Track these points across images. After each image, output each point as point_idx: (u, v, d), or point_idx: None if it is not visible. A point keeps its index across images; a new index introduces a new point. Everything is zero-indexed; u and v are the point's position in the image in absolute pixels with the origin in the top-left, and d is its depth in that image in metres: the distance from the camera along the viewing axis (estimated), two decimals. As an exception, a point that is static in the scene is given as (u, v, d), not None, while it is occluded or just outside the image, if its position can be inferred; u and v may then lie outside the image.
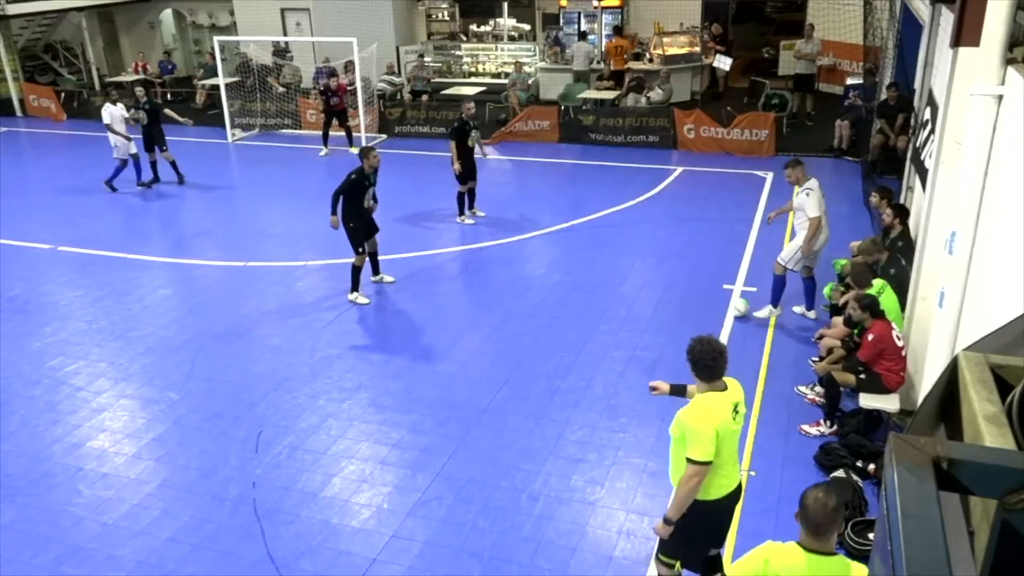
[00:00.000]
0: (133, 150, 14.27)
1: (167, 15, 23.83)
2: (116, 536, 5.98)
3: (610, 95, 17.70)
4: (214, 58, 18.07)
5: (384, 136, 17.61)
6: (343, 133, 16.43)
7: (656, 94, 17.17)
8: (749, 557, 3.65)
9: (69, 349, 8.79)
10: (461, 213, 12.36)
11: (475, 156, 12.26)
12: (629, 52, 19.42)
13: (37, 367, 8.42)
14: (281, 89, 18.95)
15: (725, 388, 4.37)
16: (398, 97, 19.02)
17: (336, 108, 16.20)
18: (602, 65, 19.05)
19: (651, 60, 19.09)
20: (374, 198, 9.63)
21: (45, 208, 13.71)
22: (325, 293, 10.13)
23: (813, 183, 8.61)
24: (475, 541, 5.82)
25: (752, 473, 6.36)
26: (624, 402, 7.52)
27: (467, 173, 12.12)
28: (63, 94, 20.93)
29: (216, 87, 18.25)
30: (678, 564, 4.74)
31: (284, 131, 18.22)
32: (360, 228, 9.52)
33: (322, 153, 16.39)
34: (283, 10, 21.50)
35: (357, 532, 5.96)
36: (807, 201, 8.52)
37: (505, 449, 6.85)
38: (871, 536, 5.44)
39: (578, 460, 6.68)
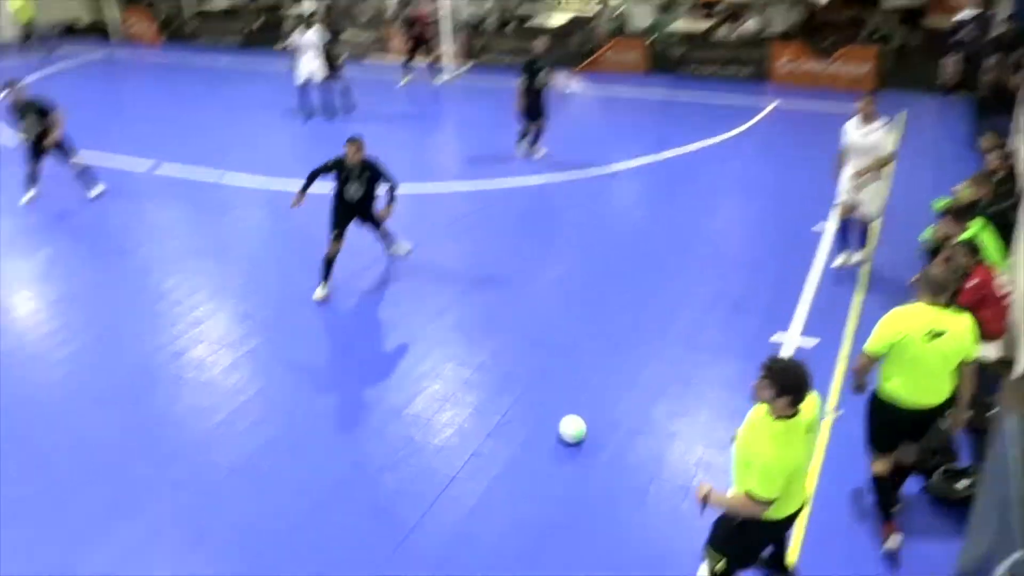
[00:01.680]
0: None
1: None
2: (215, 441, 6.31)
3: (702, 26, 17.10)
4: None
5: (471, 63, 17.48)
6: (428, 62, 16.38)
7: (750, 25, 16.51)
8: (879, 328, 4.72)
9: (168, 265, 9.17)
10: (519, 142, 12.14)
11: (546, 95, 11.85)
12: (722, -19, 18.66)
13: (142, 279, 8.83)
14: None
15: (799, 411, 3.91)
16: (483, 27, 18.79)
17: (420, 38, 16.14)
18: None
19: (747, -11, 18.32)
20: (367, 194, 8.32)
21: (144, 131, 14.16)
22: (407, 223, 10.26)
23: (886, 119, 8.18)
24: (554, 464, 5.94)
25: (840, 412, 6.26)
26: (708, 338, 7.46)
27: (533, 113, 11.78)
28: (160, 19, 21.34)
29: (301, 15, 18.32)
30: (723, 562, 4.31)
31: (372, 61, 18.25)
32: (339, 211, 8.29)
33: (401, 83, 16.39)
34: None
35: (439, 449, 6.13)
36: (886, 138, 8.08)
37: (586, 378, 6.91)
38: (958, 486, 5.31)
39: (659, 393, 6.69)
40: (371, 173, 8.19)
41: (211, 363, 7.31)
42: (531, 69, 11.61)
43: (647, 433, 6.23)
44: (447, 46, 16.76)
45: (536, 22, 18.86)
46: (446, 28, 16.62)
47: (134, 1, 22.01)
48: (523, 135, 12.10)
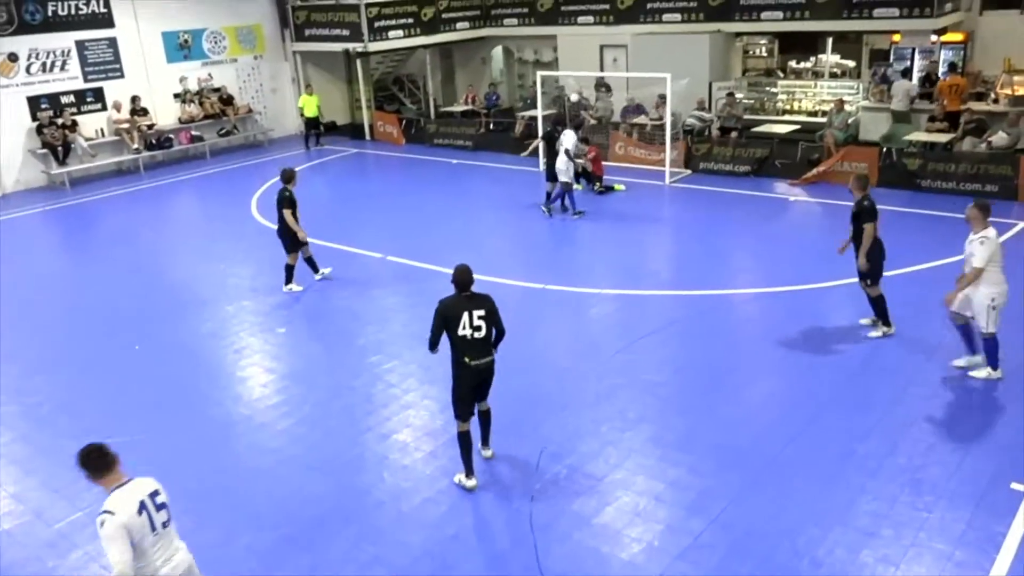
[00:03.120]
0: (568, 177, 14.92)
1: (497, 52, 25.86)
2: (408, 524, 6.55)
3: (943, 138, 16.09)
4: (535, 91, 19.25)
5: (688, 171, 17.56)
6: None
7: (999, 138, 15.31)
8: None
9: (386, 348, 9.80)
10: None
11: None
12: (966, 91, 17.54)
13: (359, 361, 9.49)
14: (592, 121, 19.68)
15: None
16: (706, 133, 18.89)
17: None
18: (931, 105, 17.39)
19: (996, 100, 17.10)
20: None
21: (380, 221, 15.46)
22: (616, 322, 10.31)
23: (991, 232, 7.85)
24: (747, 599, 5.55)
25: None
26: (932, 477, 6.74)
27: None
28: (404, 121, 23.50)
29: (534, 118, 19.40)
30: None
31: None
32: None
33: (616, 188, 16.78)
34: (602, 46, 22.34)
35: (625, 565, 5.95)
36: (979, 249, 7.83)
37: (789, 507, 6.46)
38: None
39: (870, 534, 6.10)
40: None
41: (413, 448, 7.65)
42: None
43: (853, 579, 5.68)
44: (668, 151, 16.98)
45: (760, 129, 18.68)
46: (668, 134, 16.88)
47: (382, 107, 24.49)
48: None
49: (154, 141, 21.11)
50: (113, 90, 20.72)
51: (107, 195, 18.70)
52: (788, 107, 20.34)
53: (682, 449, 7.37)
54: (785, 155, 17.25)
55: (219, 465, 7.55)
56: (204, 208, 18.18)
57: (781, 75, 21.43)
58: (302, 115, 22.58)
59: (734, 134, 18.27)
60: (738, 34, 20.77)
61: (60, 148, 19.51)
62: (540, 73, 19.30)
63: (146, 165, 20.92)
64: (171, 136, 21.47)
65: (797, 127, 18.63)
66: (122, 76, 20.88)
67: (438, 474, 7.20)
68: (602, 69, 22.16)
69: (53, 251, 15.89)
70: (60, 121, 19.66)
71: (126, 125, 20.61)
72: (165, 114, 21.70)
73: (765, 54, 22.36)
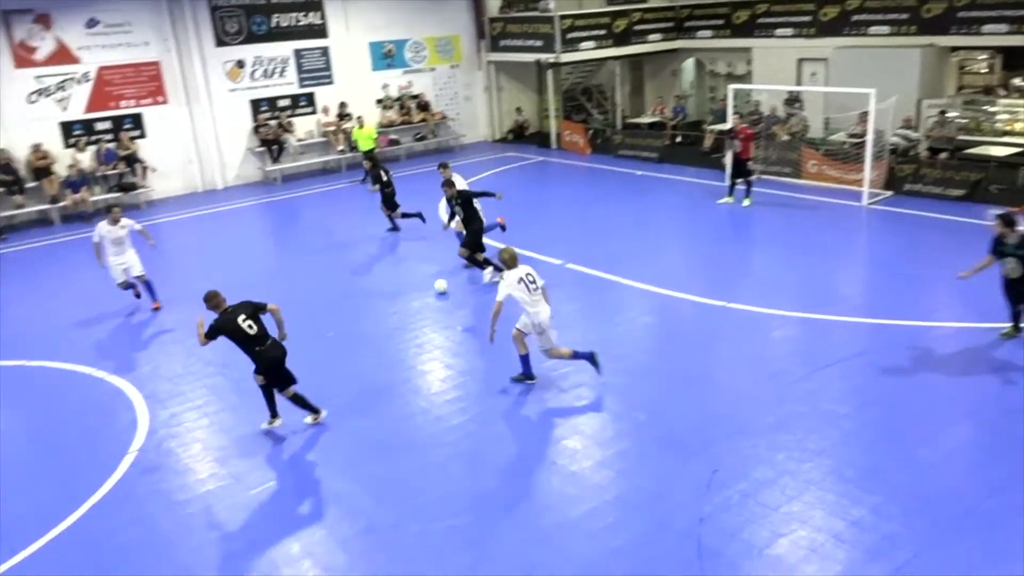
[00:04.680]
0: None
1: (689, 64, 25.45)
2: (573, 532, 6.58)
3: None
4: (725, 104, 18.78)
5: (890, 193, 16.48)
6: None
7: None
8: None
9: (561, 355, 9.90)
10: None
11: None
12: None
13: (535, 365, 9.64)
14: (786, 137, 18.93)
15: None
16: (911, 153, 17.63)
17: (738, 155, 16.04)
18: None
19: None
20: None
21: (560, 229, 15.65)
22: (800, 347, 9.85)
23: None
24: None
25: None
26: None
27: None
28: (590, 131, 23.66)
29: (723, 131, 18.92)
30: None
31: (782, 179, 18.13)
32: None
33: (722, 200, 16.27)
34: (800, 60, 21.44)
35: (797, 602, 5.67)
36: None
37: (989, 566, 5.90)
38: None
39: (1086, 605, 5.46)
40: None
41: (582, 456, 7.68)
42: None
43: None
44: (868, 171, 16.02)
45: (975, 151, 17.21)
46: (868, 152, 15.93)
47: (569, 117, 24.77)
48: None
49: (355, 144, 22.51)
50: (323, 95, 22.34)
51: (312, 191, 20.16)
52: (1008, 128, 18.58)
53: (866, 488, 6.92)
54: (1003, 180, 15.79)
55: (398, 453, 7.93)
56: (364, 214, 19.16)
57: (1003, 93, 19.62)
58: (356, 149, 21.55)
59: (944, 155, 16.94)
60: (954, 48, 19.25)
61: (275, 147, 21.28)
62: (731, 87, 18.81)
63: (347, 165, 22.34)
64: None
65: (1019, 150, 17.01)
66: (331, 82, 22.46)
67: (606, 483, 7.19)
68: (799, 83, 21.26)
69: (262, 240, 17.32)
70: (275, 123, 21.44)
71: (332, 128, 22.14)
72: (367, 119, 23.08)
73: (985, 70, 20.55)
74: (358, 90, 22.80)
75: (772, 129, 19.19)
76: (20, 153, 18.18)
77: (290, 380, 8.36)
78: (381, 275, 13.60)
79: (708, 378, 9.13)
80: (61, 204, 18.23)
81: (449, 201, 13.09)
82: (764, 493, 6.92)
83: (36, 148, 18.23)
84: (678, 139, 22.49)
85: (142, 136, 19.88)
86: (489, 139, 25.68)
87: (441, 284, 12.32)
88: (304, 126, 22.17)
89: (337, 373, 9.80)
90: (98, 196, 18.76)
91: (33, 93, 18.39)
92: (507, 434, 8.21)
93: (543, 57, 22.79)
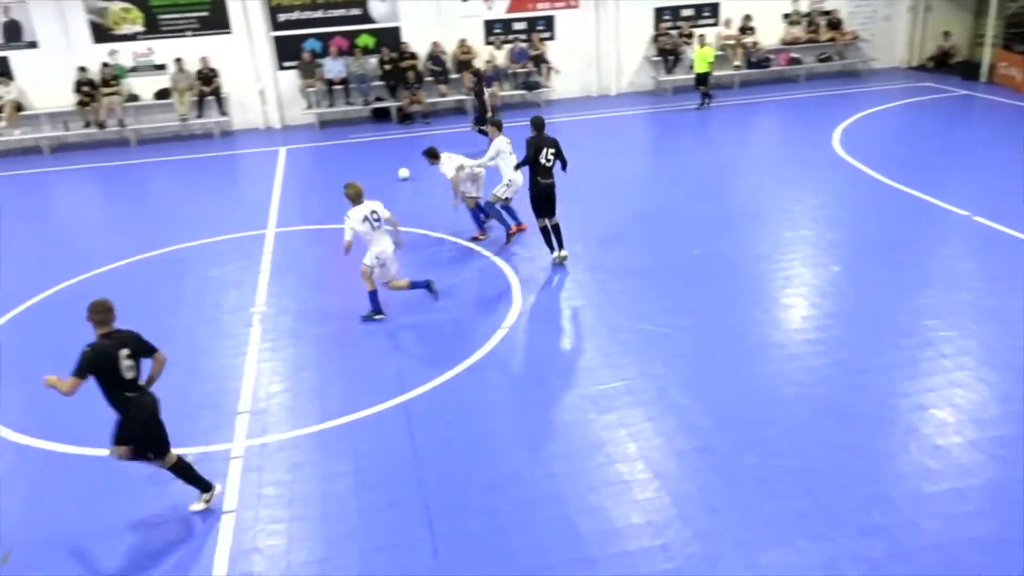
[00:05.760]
0: None
1: None
2: (926, 508, 6.01)
3: None
4: None
5: None
6: None
7: None
8: None
9: (947, 315, 8.85)
10: None
11: None
12: None
13: (914, 321, 8.77)
14: None
15: None
16: None
17: None
18: None
19: None
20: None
21: (973, 175, 13.71)
22: None
23: None
24: None
25: None
26: None
27: None
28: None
29: None
30: None
31: None
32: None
33: None
34: None
35: None
36: None
37: None
38: None
39: None
40: None
41: (952, 431, 6.90)
42: None
43: None
44: None
45: None
46: None
47: (1009, 46, 21.11)
48: None
49: (754, 60, 21.59)
50: (729, 6, 21.63)
51: (735, 103, 19.88)
52: None
53: None
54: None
55: (742, 382, 7.82)
56: (785, 131, 18.24)
57: None
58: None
59: None
60: None
61: (671, 58, 21.25)
62: None
63: (742, 82, 21.61)
64: (770, 56, 21.72)
65: None
66: (739, -7, 21.62)
67: (975, 467, 6.41)
68: None
69: (648, 149, 17.63)
70: (676, 32, 21.32)
71: (732, 42, 21.44)
72: (769, 34, 21.96)
73: None
74: (765, 1, 21.66)
75: None
76: (448, 47, 20.34)
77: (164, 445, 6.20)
78: (758, 200, 13.14)
79: None
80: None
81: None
82: None
83: (462, 43, 20.26)
84: None
85: (551, 38, 21.06)
86: (904, 65, 23.01)
87: (403, 172, 14.29)
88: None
89: (696, 290, 9.82)
90: (506, 92, 20.44)
91: (467, -8, 20.33)
92: (865, 386, 7.61)
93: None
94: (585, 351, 8.63)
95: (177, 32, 19.25)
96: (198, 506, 6.40)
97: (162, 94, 19.39)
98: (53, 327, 9.54)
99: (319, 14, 19.76)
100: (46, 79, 18.76)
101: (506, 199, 11.39)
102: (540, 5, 20.82)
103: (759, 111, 19.50)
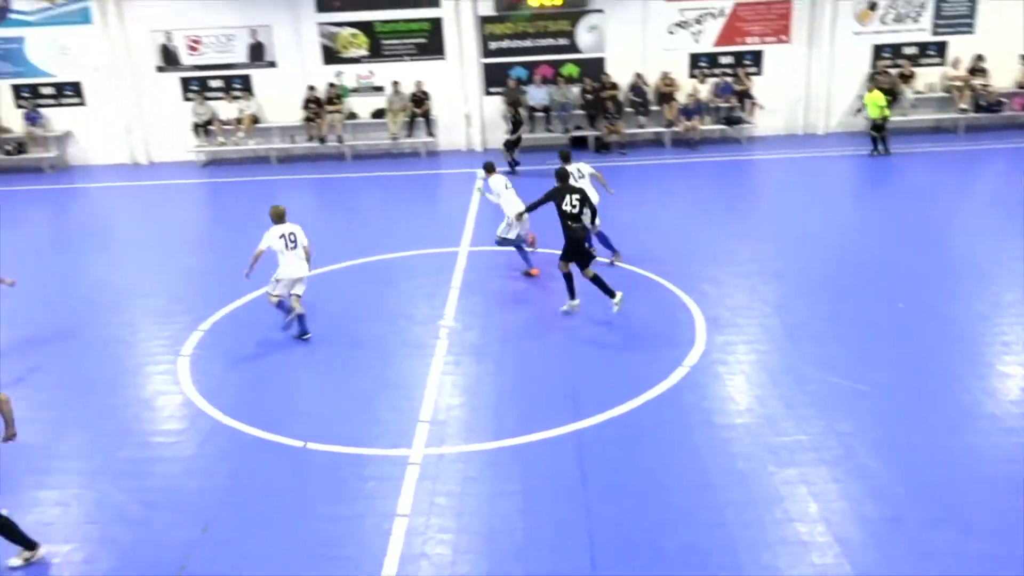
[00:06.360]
0: None
1: None
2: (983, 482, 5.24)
3: None
4: None
5: None
6: None
7: None
8: None
9: None
10: None
11: None
12: None
13: None
14: None
15: None
16: None
17: None
18: None
19: None
20: None
21: None
22: None
23: None
24: None
25: None
26: None
27: None
28: None
29: None
30: None
31: None
32: None
33: None
34: None
35: None
36: None
37: None
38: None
39: None
40: None
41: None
42: None
43: None
44: None
45: None
46: None
47: None
48: None
49: (983, 103, 19.92)
50: (958, 45, 20.11)
51: (921, 151, 18.60)
52: None
53: None
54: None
55: (944, 452, 7.17)
56: (1013, 181, 16.63)
57: None
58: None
59: None
60: None
61: (889, 98, 19.82)
62: None
63: (967, 126, 20.00)
64: (1003, 100, 19.95)
65: None
66: (971, 31, 20.05)
67: None
68: None
69: (849, 192, 16.71)
70: (896, 71, 20.07)
71: (960, 83, 19.89)
72: (1003, 76, 20.16)
73: None
74: (1004, 40, 19.92)
75: None
76: (651, 79, 20.33)
77: None
78: (977, 254, 12.07)
79: None
80: (673, 128, 20.03)
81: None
82: None
83: (665, 75, 20.18)
84: None
85: (758, 73, 20.52)
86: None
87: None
88: (925, 78, 20.35)
89: (898, 348, 9.15)
90: (707, 126, 20.11)
91: (674, 25, 20.24)
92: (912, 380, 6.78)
93: None
94: (768, 399, 8.26)
95: (396, 57, 20.58)
96: (14, 560, 6.13)
97: (378, 114, 20.76)
98: (262, 323, 10.39)
99: (528, 43, 20.43)
100: (280, 96, 20.66)
101: (516, 237, 11.60)
102: (749, 39, 20.36)
103: (985, 158, 17.98)
